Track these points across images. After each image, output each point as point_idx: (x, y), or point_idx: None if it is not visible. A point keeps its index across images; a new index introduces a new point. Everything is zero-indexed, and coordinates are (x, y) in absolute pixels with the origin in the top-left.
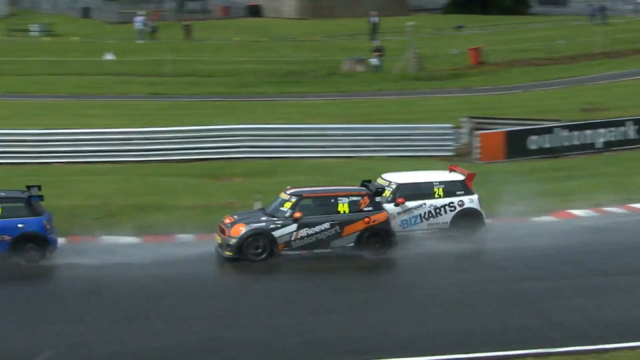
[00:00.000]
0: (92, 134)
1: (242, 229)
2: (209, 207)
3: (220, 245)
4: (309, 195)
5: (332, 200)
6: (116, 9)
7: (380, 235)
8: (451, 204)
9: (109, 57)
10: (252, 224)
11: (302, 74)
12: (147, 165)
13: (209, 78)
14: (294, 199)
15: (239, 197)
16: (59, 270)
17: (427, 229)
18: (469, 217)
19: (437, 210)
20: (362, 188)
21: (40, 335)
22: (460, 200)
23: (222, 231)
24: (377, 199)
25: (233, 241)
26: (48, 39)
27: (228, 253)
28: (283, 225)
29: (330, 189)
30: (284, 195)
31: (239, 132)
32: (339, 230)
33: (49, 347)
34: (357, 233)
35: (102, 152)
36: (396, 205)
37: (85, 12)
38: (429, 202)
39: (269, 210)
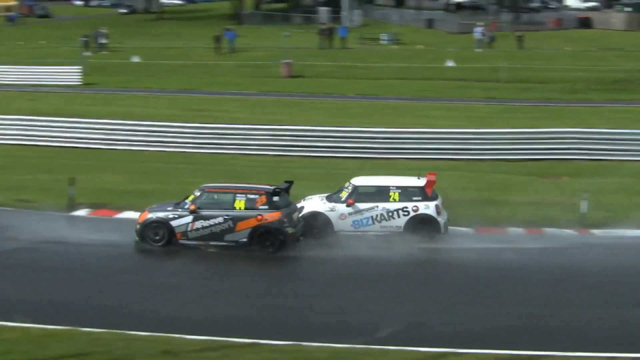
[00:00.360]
0: (433, 133)
1: (145, 217)
2: (539, 203)
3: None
4: (211, 190)
5: (231, 197)
6: (457, 20)
7: (272, 234)
8: (405, 209)
9: (450, 63)
10: (155, 213)
11: (630, 82)
12: (481, 163)
13: (540, 84)
14: (197, 193)
15: (567, 196)
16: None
17: (380, 231)
18: (422, 222)
19: (390, 214)
20: (264, 187)
21: (383, 312)
22: (415, 206)
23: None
24: (317, 198)
25: (137, 227)
26: (396, 47)
27: (136, 238)
28: (181, 216)
29: (232, 186)
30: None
31: (568, 135)
32: (231, 225)
33: (389, 324)
34: (249, 230)
35: (442, 150)
36: (347, 205)
37: (430, 23)
38: (382, 205)
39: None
